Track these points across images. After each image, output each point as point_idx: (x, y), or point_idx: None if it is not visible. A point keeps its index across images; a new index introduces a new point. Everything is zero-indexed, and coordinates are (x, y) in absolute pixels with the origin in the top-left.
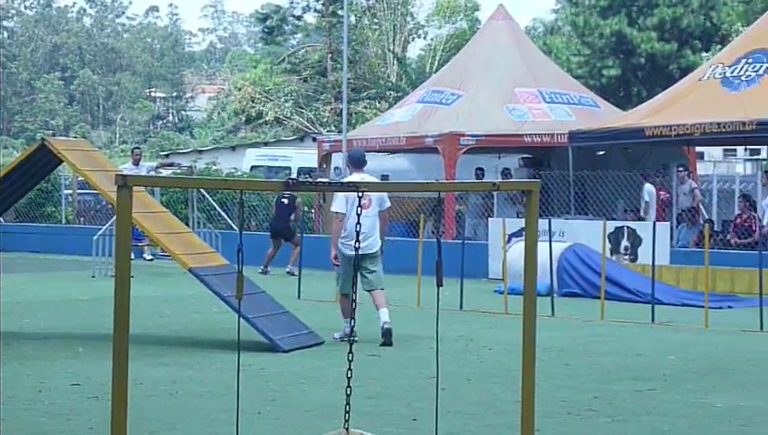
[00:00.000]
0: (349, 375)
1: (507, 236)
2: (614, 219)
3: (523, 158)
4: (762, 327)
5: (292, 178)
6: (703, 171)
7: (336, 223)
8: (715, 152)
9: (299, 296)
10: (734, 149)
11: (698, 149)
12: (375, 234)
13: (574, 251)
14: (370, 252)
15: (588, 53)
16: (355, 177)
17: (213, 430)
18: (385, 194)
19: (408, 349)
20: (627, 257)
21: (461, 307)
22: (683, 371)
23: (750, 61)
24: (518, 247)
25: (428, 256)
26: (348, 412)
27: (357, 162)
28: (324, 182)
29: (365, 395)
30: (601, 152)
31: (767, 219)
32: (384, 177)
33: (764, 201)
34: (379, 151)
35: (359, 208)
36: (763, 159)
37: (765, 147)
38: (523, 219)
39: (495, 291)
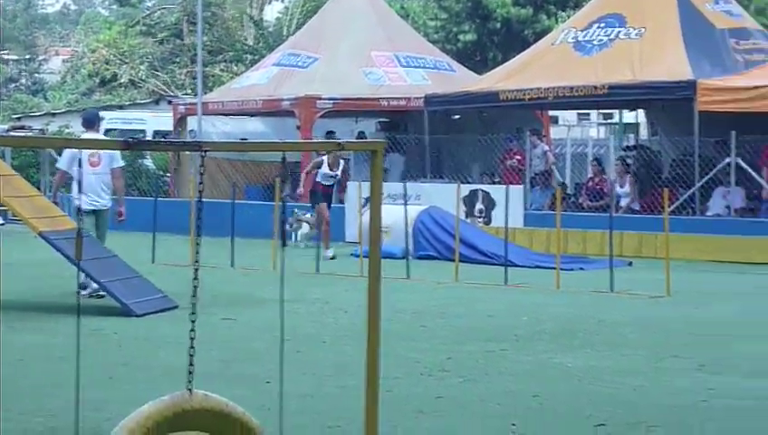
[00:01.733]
0: (192, 336)
1: (363, 200)
2: (469, 182)
3: (379, 121)
4: (612, 289)
5: (133, 138)
6: (557, 135)
7: (57, 178)
8: (569, 116)
9: (153, 261)
10: (588, 114)
11: (553, 113)
12: (106, 191)
13: (429, 214)
14: (102, 208)
15: (444, 17)
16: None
17: (63, 393)
18: (117, 153)
19: (264, 312)
20: (481, 220)
21: (317, 270)
22: (535, 331)
23: (602, 25)
24: None
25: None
26: (191, 373)
27: (88, 123)
28: (165, 141)
29: (218, 358)
30: (457, 116)
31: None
32: (242, 140)
33: (621, 189)
34: (235, 115)
35: (88, 166)
36: (616, 123)
37: (618, 111)
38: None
39: (351, 254)
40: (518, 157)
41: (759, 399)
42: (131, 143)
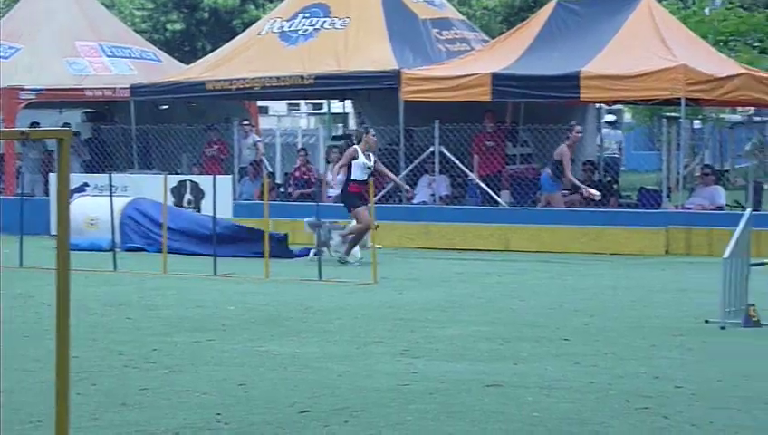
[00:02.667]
0: None
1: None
2: (178, 173)
3: (85, 112)
4: (320, 277)
5: None
6: (267, 125)
7: None
8: (279, 107)
9: None
10: (298, 104)
11: (262, 103)
12: None
13: (135, 206)
14: None
15: (151, 7)
16: None
17: None
18: None
19: None
20: (190, 210)
21: (21, 264)
22: (242, 320)
23: (307, 15)
24: (79, 203)
25: None
26: None
27: None
28: None
29: None
30: (165, 106)
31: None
32: None
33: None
34: None
35: None
36: (325, 114)
37: (326, 101)
38: (87, 174)
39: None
40: (216, 146)
41: (458, 381)
42: None
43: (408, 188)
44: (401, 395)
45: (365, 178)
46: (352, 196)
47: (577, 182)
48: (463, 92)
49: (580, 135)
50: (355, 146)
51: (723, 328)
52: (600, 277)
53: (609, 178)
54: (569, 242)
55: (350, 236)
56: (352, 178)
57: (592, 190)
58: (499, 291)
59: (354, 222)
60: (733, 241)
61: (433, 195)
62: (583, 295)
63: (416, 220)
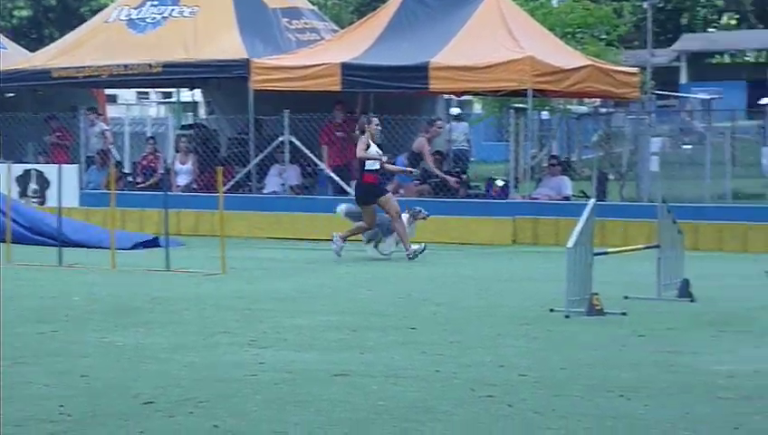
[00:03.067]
0: None
1: None
2: (23, 162)
3: None
4: (168, 267)
5: None
6: (116, 114)
7: None
8: (128, 95)
9: None
10: (147, 93)
11: (111, 91)
12: None
13: None
14: None
15: None
16: None
17: None
18: None
19: None
20: (35, 200)
21: None
22: (87, 311)
23: (155, 3)
24: None
25: None
26: None
27: None
28: None
29: None
30: (11, 94)
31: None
32: None
33: (182, 166)
34: None
35: None
36: (174, 102)
37: (176, 90)
38: None
39: None
40: (58, 134)
41: (304, 371)
42: None
43: (412, 170)
44: (248, 385)
45: (378, 167)
46: (373, 186)
47: (440, 173)
48: (312, 82)
49: (441, 130)
50: (364, 136)
51: (567, 317)
52: (448, 267)
53: (457, 169)
54: (419, 232)
55: (398, 229)
56: (367, 168)
57: (453, 179)
58: (349, 281)
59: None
60: (577, 231)
61: (283, 184)
62: (432, 285)
63: (266, 210)
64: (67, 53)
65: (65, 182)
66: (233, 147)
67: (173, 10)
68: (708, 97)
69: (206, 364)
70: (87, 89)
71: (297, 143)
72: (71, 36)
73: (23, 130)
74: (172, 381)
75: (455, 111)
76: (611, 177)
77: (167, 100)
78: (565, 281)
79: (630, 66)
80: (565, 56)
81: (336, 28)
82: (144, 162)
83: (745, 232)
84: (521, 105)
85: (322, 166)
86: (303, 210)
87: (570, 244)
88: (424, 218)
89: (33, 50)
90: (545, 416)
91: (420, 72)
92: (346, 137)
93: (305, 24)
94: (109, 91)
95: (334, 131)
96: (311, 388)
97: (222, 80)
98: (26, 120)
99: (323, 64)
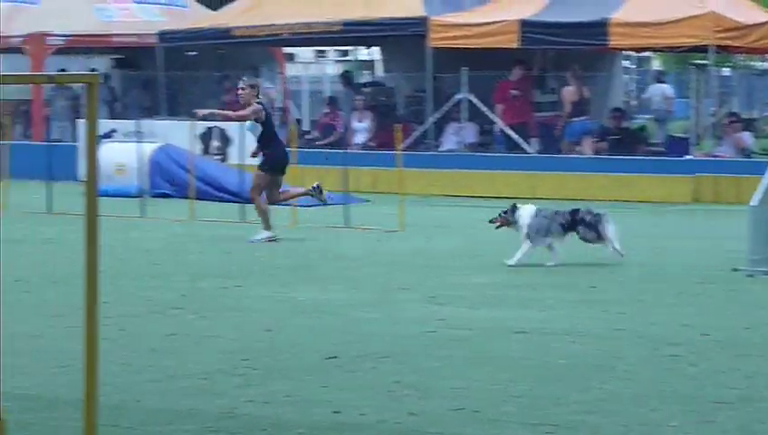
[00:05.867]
0: None
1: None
2: (205, 120)
3: (114, 59)
4: (348, 224)
5: None
6: (295, 72)
7: None
8: (307, 54)
9: None
10: (325, 51)
11: (290, 50)
12: None
13: (165, 152)
14: None
15: None
16: None
17: None
18: None
19: None
20: (217, 157)
21: (49, 210)
22: (270, 267)
23: None
24: (108, 148)
25: (17, 158)
26: None
27: None
28: None
29: None
30: (193, 53)
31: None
32: None
33: (359, 124)
34: None
35: None
36: (352, 60)
37: (353, 48)
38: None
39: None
40: (233, 91)
41: (483, 328)
42: None
43: None
44: (427, 342)
45: None
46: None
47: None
48: (490, 39)
49: None
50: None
51: (750, 276)
52: (626, 225)
53: (638, 126)
54: (595, 190)
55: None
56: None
57: None
58: None
59: None
60: (761, 189)
61: (460, 142)
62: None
63: (443, 168)
64: (248, 11)
65: (247, 140)
66: (410, 105)
67: None
68: None
69: (386, 320)
70: (266, 48)
71: (474, 101)
72: None
73: (203, 89)
74: (353, 337)
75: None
76: None
77: (344, 58)
78: (747, 239)
79: None
80: (747, 11)
81: None
82: (323, 120)
83: None
84: (701, 61)
85: (500, 123)
86: (480, 168)
87: (754, 201)
88: None
89: (214, 9)
90: (730, 376)
91: (600, 28)
92: (522, 95)
93: None
94: (287, 50)
95: (509, 89)
96: (490, 345)
97: (400, 37)
98: (206, 79)
99: (502, 21)
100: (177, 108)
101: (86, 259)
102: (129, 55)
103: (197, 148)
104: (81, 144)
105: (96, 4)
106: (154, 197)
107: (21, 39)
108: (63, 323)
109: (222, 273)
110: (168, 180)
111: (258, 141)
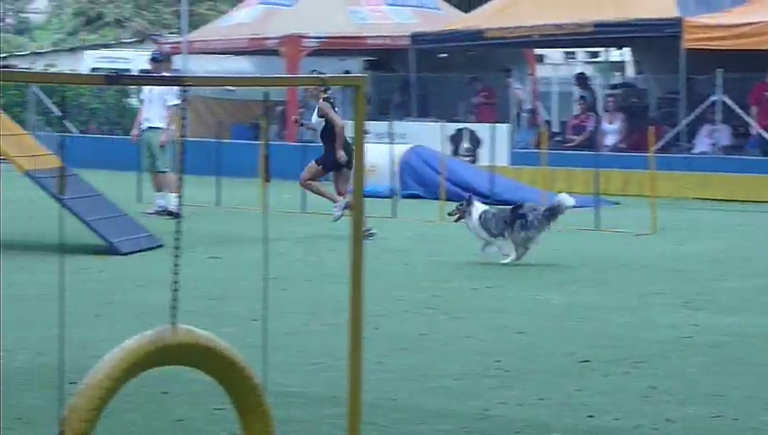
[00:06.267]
0: (175, 271)
1: (350, 138)
2: (455, 121)
3: (366, 60)
4: (598, 226)
5: (115, 71)
6: (545, 74)
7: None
8: (556, 55)
9: (139, 200)
10: (574, 52)
11: (539, 51)
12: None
13: (416, 152)
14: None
15: None
16: None
17: (49, 331)
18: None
19: (250, 250)
20: (467, 159)
21: (303, 209)
22: (520, 268)
23: None
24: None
25: (273, 159)
26: (174, 308)
27: (155, 60)
28: (145, 75)
29: (206, 296)
30: (443, 55)
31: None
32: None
33: (609, 126)
34: (221, 54)
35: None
36: (602, 62)
37: (604, 49)
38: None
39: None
40: (484, 93)
41: (740, 334)
42: (113, 77)
43: None
44: (683, 347)
45: None
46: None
47: None
48: (748, 40)
49: None
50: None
51: None
52: None
53: None
54: None
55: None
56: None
57: None
58: None
59: None
60: None
61: (713, 145)
62: None
63: (695, 170)
64: (499, 13)
65: (497, 141)
66: (662, 106)
67: None
68: None
69: (640, 325)
70: (517, 49)
71: (729, 102)
72: None
73: (453, 90)
74: (606, 341)
75: None
76: None
77: (594, 59)
78: None
79: None
80: None
81: None
82: (575, 121)
83: None
84: None
85: (755, 126)
86: (734, 171)
87: None
88: None
89: (465, 11)
90: None
91: None
92: None
93: None
94: (536, 51)
95: (763, 91)
96: (748, 352)
97: (652, 39)
98: (456, 81)
99: (760, 23)
100: (427, 109)
101: (352, 258)
102: (381, 57)
103: (448, 149)
104: None
105: (350, 6)
106: (404, 197)
107: (276, 41)
108: (319, 321)
109: (472, 274)
110: (418, 181)
111: (321, 136)
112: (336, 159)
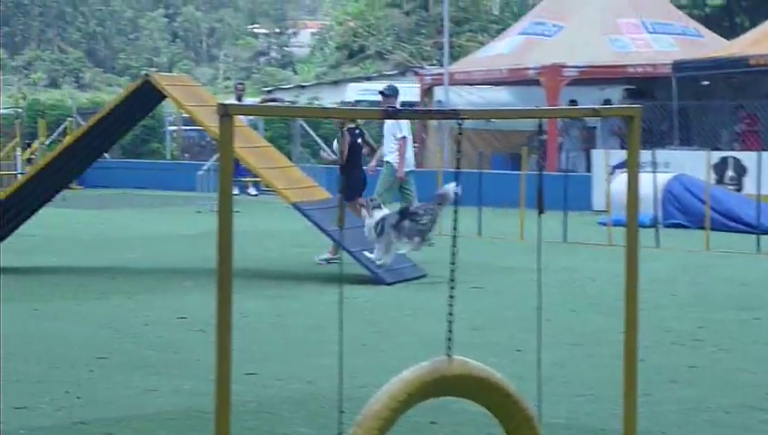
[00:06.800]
0: (450, 302)
1: (610, 168)
2: (718, 149)
3: (626, 89)
4: None
5: (391, 106)
6: None
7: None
8: None
9: None
10: None
11: None
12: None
13: (679, 181)
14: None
15: None
16: None
17: (318, 360)
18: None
19: (513, 280)
20: (732, 187)
21: (564, 239)
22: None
23: None
24: (622, 179)
25: (531, 188)
26: (450, 339)
27: (386, 95)
28: (422, 109)
29: (469, 327)
30: (705, 82)
31: None
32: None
33: None
34: (481, 84)
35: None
36: None
37: None
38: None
39: (599, 223)
40: (747, 121)
41: None
42: (390, 112)
43: None
44: None
45: None
46: None
47: None
48: None
49: None
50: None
51: None
52: None
53: None
54: None
55: None
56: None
57: None
58: None
59: None
60: None
61: None
62: None
63: None
64: (764, 40)
65: (763, 169)
66: None
67: None
68: None
69: None
70: None
71: None
72: (766, 24)
73: (716, 118)
74: None
75: None
76: None
77: None
78: None
79: None
80: None
81: None
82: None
83: None
84: None
85: None
86: None
87: None
88: None
89: (726, 38)
90: None
91: None
92: None
93: None
94: None
95: None
96: None
97: None
98: (719, 108)
99: None
100: (690, 137)
101: (626, 288)
102: (641, 85)
103: (712, 177)
104: (596, 174)
105: (610, 35)
106: (667, 227)
107: (536, 71)
108: (584, 352)
109: (740, 305)
110: (681, 210)
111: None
112: (353, 185)
